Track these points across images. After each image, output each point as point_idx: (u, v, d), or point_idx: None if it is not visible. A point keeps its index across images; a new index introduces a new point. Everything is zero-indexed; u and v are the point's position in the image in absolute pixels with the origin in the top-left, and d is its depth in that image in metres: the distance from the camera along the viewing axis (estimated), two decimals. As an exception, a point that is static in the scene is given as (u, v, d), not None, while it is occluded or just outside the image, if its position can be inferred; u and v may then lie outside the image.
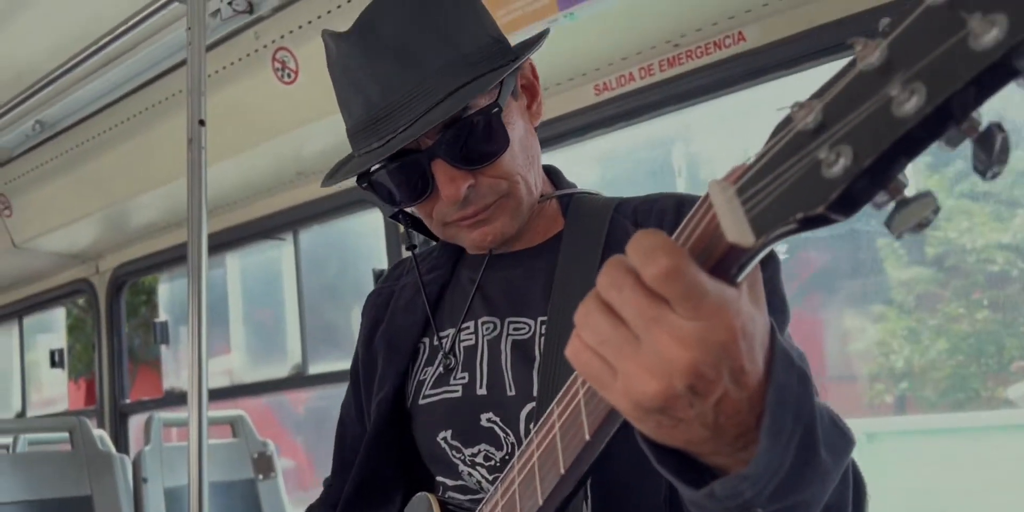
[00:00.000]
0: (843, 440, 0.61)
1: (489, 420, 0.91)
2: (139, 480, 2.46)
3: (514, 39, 1.94)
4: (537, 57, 2.01)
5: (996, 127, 0.39)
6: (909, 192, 0.41)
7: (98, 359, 3.62)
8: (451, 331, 0.99)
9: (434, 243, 1.11)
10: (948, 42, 0.37)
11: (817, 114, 0.42)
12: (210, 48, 2.43)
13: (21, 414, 4.52)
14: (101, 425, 3.54)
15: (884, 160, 0.39)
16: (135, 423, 3.48)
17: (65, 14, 2.25)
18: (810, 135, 0.42)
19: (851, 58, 0.42)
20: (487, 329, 0.96)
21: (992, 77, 0.37)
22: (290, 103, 2.37)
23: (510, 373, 0.91)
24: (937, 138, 0.39)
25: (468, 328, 0.98)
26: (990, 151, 0.39)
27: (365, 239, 2.65)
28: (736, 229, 0.45)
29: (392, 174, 0.91)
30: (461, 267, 1.05)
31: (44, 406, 4.80)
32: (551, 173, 1.06)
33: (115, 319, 3.62)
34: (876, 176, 0.40)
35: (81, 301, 3.88)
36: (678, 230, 0.51)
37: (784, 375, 0.51)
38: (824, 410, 0.59)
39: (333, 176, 0.99)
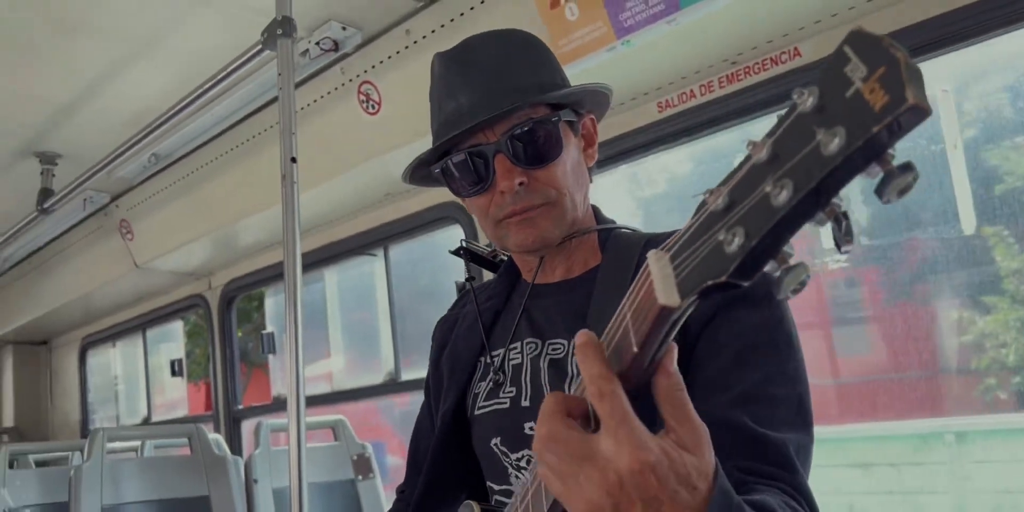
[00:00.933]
0: None
1: (531, 428, 1.04)
2: (250, 481, 2.69)
3: (576, 68, 2.07)
4: (602, 77, 2.13)
5: (843, 215, 0.49)
6: (792, 261, 0.51)
7: (213, 369, 3.92)
8: (501, 351, 1.12)
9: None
10: (807, 148, 0.47)
11: (724, 198, 0.52)
12: (301, 84, 2.65)
13: (147, 419, 4.90)
14: (217, 429, 3.84)
15: (767, 239, 0.49)
16: (247, 427, 3.76)
17: (173, 61, 2.50)
18: (718, 216, 0.52)
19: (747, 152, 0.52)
20: (530, 348, 1.10)
21: (840, 174, 0.46)
22: (376, 131, 2.55)
23: (548, 387, 1.04)
24: (807, 220, 0.49)
25: (515, 348, 1.11)
26: (839, 231, 0.49)
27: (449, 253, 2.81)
28: (665, 292, 0.55)
29: (461, 163, 1.07)
30: (513, 296, 1.19)
31: (168, 408, 5.17)
32: (593, 210, 1.18)
33: (227, 331, 3.92)
34: (764, 251, 0.50)
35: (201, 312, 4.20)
36: (626, 295, 0.61)
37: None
38: None
39: (411, 170, 1.15)
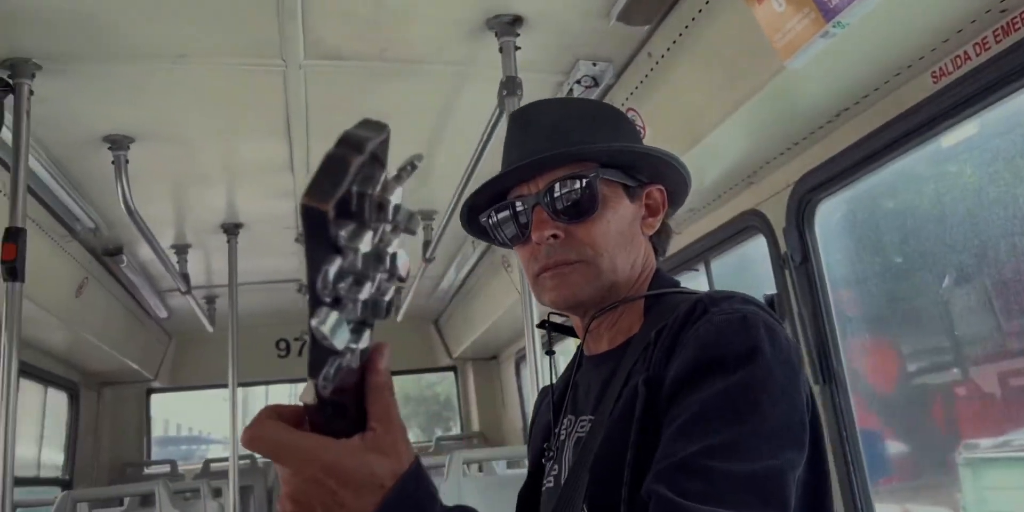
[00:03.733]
0: None
1: None
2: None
3: (795, 61, 1.86)
4: (839, 62, 1.89)
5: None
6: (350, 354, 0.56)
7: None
8: (559, 427, 1.11)
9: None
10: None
11: None
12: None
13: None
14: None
15: (313, 341, 0.53)
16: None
17: (463, 129, 2.80)
18: None
19: None
20: (569, 424, 1.07)
21: (311, 267, 0.50)
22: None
23: (571, 466, 1.00)
24: (326, 315, 0.52)
25: (565, 424, 1.09)
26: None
27: (761, 265, 2.66)
28: (307, 391, 0.57)
29: (505, 213, 1.08)
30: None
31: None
32: (655, 275, 1.10)
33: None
34: (319, 349, 0.53)
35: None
36: None
37: (392, 508, 0.60)
38: None
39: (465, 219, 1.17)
